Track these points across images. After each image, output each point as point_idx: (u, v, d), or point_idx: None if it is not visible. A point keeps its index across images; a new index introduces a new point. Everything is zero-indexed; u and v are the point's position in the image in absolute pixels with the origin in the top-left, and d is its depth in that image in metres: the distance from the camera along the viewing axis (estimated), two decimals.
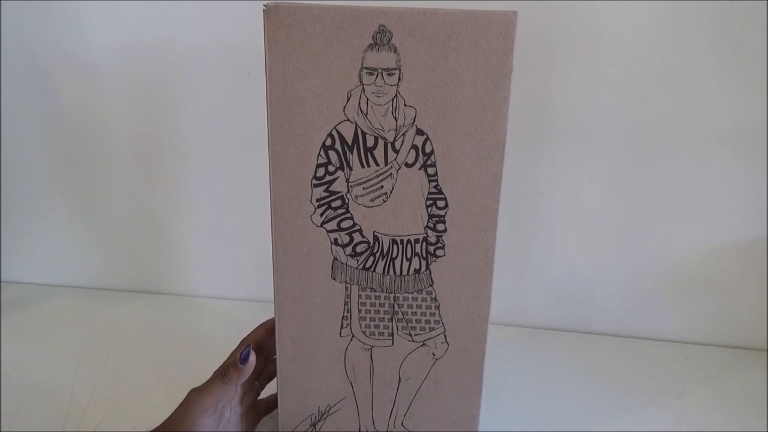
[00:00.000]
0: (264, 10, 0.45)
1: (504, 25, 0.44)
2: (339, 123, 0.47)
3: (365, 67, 0.46)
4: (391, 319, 0.52)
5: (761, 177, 0.62)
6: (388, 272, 0.51)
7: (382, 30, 0.45)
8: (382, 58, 0.46)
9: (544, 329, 0.77)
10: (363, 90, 0.46)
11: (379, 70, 0.46)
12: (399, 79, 0.46)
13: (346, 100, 0.47)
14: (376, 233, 0.50)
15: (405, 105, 0.47)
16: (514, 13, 0.44)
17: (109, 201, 0.70)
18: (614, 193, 0.69)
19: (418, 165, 0.48)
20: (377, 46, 0.45)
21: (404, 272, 0.51)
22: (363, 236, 0.50)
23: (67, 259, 0.71)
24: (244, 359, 0.50)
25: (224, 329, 0.76)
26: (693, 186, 0.65)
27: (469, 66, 0.45)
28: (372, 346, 0.53)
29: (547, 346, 0.73)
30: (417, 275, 0.51)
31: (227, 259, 0.78)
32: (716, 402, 0.59)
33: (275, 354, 0.54)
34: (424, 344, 0.53)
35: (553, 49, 0.66)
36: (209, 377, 0.50)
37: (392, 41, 0.45)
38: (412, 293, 0.52)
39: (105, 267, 0.73)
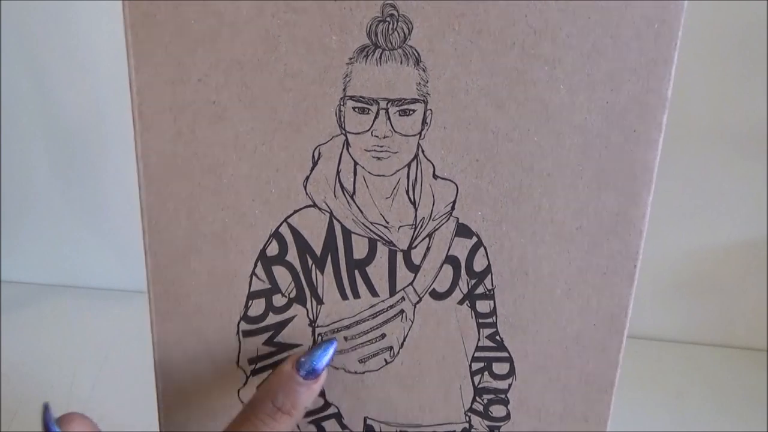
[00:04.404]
0: None
1: (662, 15, 0.20)
2: (295, 212, 0.23)
3: (352, 97, 0.21)
4: None
5: (761, 177, 0.61)
6: None
7: (391, 16, 0.21)
8: (389, 77, 0.21)
9: None
10: (347, 145, 0.22)
11: (382, 104, 0.21)
12: (424, 122, 0.22)
13: (310, 164, 0.22)
14: (369, 421, 0.25)
15: (435, 177, 0.22)
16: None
17: (109, 201, 0.71)
18: None
19: (457, 296, 0.24)
20: (379, 51, 0.21)
21: None
22: (343, 426, 0.25)
23: (67, 259, 0.73)
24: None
25: None
26: (693, 186, 0.63)
27: (584, 102, 0.21)
28: None
29: None
30: None
31: None
32: (716, 402, 0.59)
33: None
34: None
35: None
36: None
37: (411, 40, 0.21)
38: None
39: (105, 267, 0.73)
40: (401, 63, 0.21)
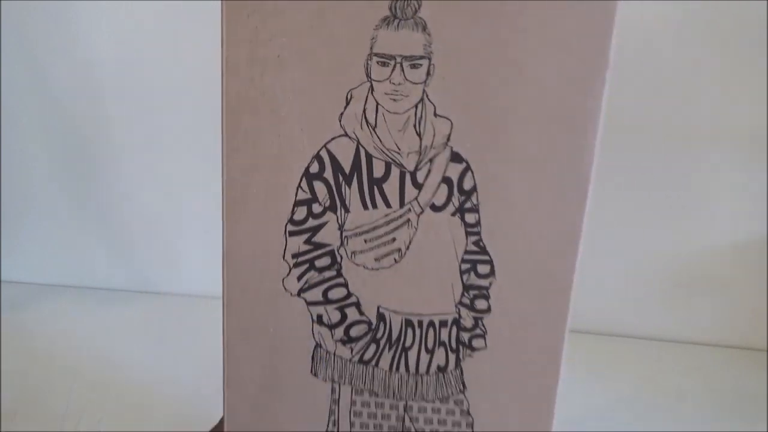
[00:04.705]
0: None
1: (602, 6, 0.28)
2: (332, 139, 0.31)
3: (376, 54, 0.29)
4: None
5: (761, 177, 0.62)
6: (397, 369, 0.34)
7: None
8: (404, 40, 0.29)
9: None
10: (371, 89, 0.30)
11: (398, 59, 0.29)
12: (428, 74, 0.30)
13: (344, 103, 0.30)
14: (381, 309, 0.33)
15: (435, 115, 0.30)
16: None
17: (110, 201, 0.71)
18: (614, 192, 0.66)
19: (450, 209, 0.31)
20: (396, 21, 0.29)
21: (422, 370, 0.34)
22: (361, 313, 0.33)
23: (67, 259, 0.73)
24: None
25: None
26: (693, 186, 0.65)
27: (544, 60, 0.29)
28: None
29: None
30: (442, 376, 0.34)
31: None
32: (716, 402, 0.59)
33: None
34: None
35: None
36: None
37: (420, 13, 0.29)
38: (433, 402, 0.34)
39: (105, 267, 0.74)
40: (413, 30, 0.29)
